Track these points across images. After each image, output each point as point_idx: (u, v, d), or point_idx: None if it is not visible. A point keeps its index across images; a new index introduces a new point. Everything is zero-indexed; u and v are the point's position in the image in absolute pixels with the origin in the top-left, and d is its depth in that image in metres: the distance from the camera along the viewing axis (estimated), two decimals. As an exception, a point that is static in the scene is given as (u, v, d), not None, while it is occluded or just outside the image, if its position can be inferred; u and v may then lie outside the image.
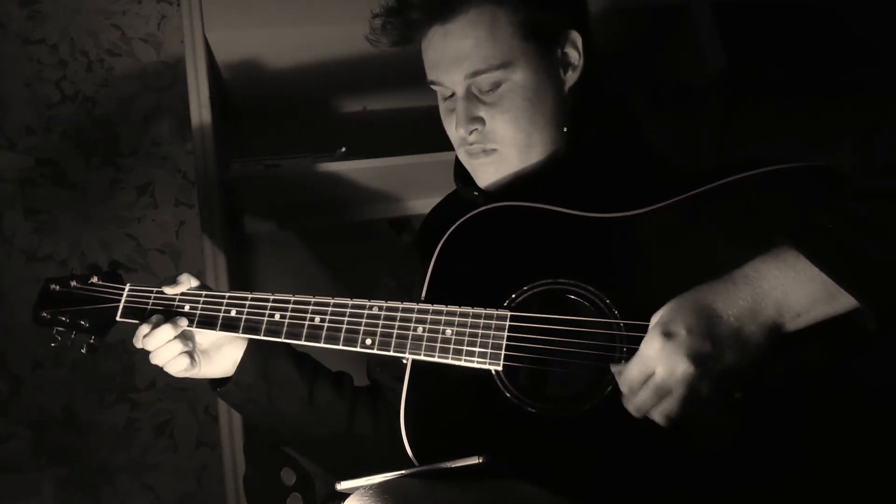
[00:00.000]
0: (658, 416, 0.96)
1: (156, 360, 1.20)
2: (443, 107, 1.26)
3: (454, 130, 1.22)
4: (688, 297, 0.96)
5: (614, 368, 0.99)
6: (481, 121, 1.19)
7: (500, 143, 1.20)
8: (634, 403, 0.97)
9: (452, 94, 1.22)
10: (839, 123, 1.06)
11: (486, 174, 1.22)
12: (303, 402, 1.28)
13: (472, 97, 1.19)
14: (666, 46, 2.20)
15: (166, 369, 1.21)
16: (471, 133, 1.19)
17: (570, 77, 1.23)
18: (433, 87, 1.24)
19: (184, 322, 1.20)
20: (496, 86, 1.18)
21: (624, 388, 0.98)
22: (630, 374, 0.97)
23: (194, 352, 1.22)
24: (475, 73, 1.17)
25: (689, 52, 2.12)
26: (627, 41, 2.19)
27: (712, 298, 0.96)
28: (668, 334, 0.94)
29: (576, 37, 1.22)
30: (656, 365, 0.94)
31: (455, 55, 1.17)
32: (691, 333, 0.94)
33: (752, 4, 2.20)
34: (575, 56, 1.22)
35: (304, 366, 1.30)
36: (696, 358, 0.93)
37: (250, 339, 1.25)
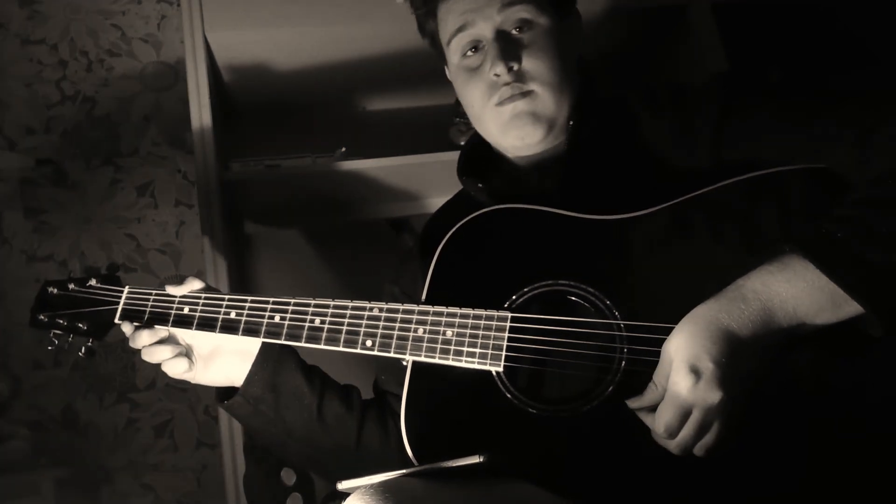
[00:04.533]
0: (702, 450, 0.95)
1: (147, 358, 1.20)
2: (463, 67, 1.25)
3: (482, 83, 1.22)
4: (703, 323, 0.95)
5: (632, 404, 0.99)
6: (518, 59, 1.20)
7: (536, 83, 1.20)
8: (678, 444, 0.95)
9: (476, 51, 1.22)
10: (838, 124, 1.06)
11: (520, 121, 1.21)
12: (311, 415, 1.25)
13: (505, 38, 1.20)
14: (666, 47, 2.20)
15: (164, 370, 1.21)
16: (509, 71, 1.19)
17: (576, 51, 1.28)
18: (457, 37, 1.23)
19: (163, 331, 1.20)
20: (527, 25, 1.20)
21: (660, 429, 0.95)
22: (667, 418, 0.94)
23: (192, 354, 1.22)
24: (510, 3, 1.19)
25: (689, 52, 2.12)
26: (627, 42, 2.19)
27: (727, 320, 0.94)
28: (696, 371, 0.93)
29: (579, 18, 1.30)
30: (692, 404, 0.93)
31: None
32: (719, 365, 0.93)
33: (751, 5, 2.20)
34: (578, 33, 1.29)
35: (313, 379, 1.28)
36: (727, 386, 0.93)
37: (258, 352, 1.24)
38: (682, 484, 0.99)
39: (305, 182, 1.99)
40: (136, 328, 1.19)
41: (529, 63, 1.20)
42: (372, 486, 0.97)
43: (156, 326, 1.20)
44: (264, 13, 1.90)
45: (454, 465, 1.00)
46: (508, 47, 1.19)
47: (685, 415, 0.94)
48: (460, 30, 1.22)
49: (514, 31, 1.21)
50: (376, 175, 1.98)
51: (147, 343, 1.19)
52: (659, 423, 0.95)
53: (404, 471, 1.03)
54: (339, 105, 2.30)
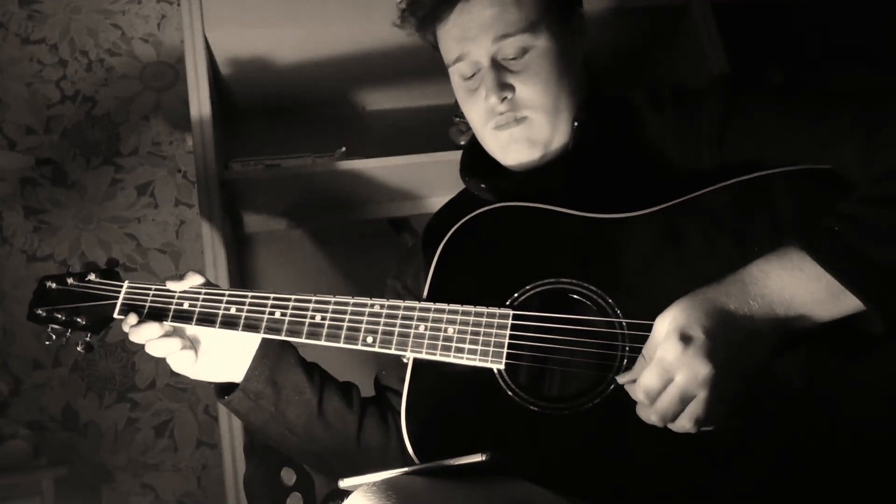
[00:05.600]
0: (685, 422, 0.94)
1: (153, 352, 1.19)
2: (463, 88, 1.25)
3: (480, 106, 1.22)
4: (698, 299, 0.95)
5: (621, 378, 0.98)
6: (511, 88, 1.19)
7: (530, 109, 1.20)
8: (657, 412, 0.94)
9: (474, 74, 1.22)
10: (840, 125, 1.06)
11: (517, 145, 1.22)
12: (311, 410, 1.25)
13: (499, 66, 1.20)
14: (666, 47, 2.20)
15: (170, 362, 1.20)
16: (503, 101, 1.19)
17: (582, 51, 1.27)
18: (455, 66, 1.23)
19: (166, 325, 1.19)
20: (523, 52, 1.19)
21: (640, 395, 0.95)
22: (649, 382, 0.94)
23: (198, 349, 1.22)
24: (504, 36, 1.18)
25: (690, 52, 2.12)
26: (628, 41, 2.19)
27: (724, 300, 0.95)
28: (685, 338, 0.92)
29: (581, 13, 1.28)
30: (676, 370, 0.92)
31: (482, 22, 1.18)
32: (710, 336, 0.92)
33: (751, 5, 2.20)
34: (582, 32, 1.27)
35: (313, 375, 1.28)
36: (716, 360, 0.92)
37: (258, 347, 1.23)
38: (682, 482, 0.98)
39: (305, 182, 1.99)
40: (142, 321, 1.18)
41: (524, 90, 1.20)
42: (374, 484, 0.97)
43: (163, 322, 1.19)
44: (264, 12, 1.90)
45: (456, 463, 1.00)
46: (502, 76, 1.19)
47: (668, 381, 0.93)
48: (458, 59, 1.23)
49: (510, 58, 1.20)
50: (376, 175, 1.98)
51: (155, 336, 1.18)
52: (639, 385, 0.95)
53: (406, 469, 1.03)
54: (339, 105, 2.30)
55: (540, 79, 1.19)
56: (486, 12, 1.18)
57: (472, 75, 1.22)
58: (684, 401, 0.93)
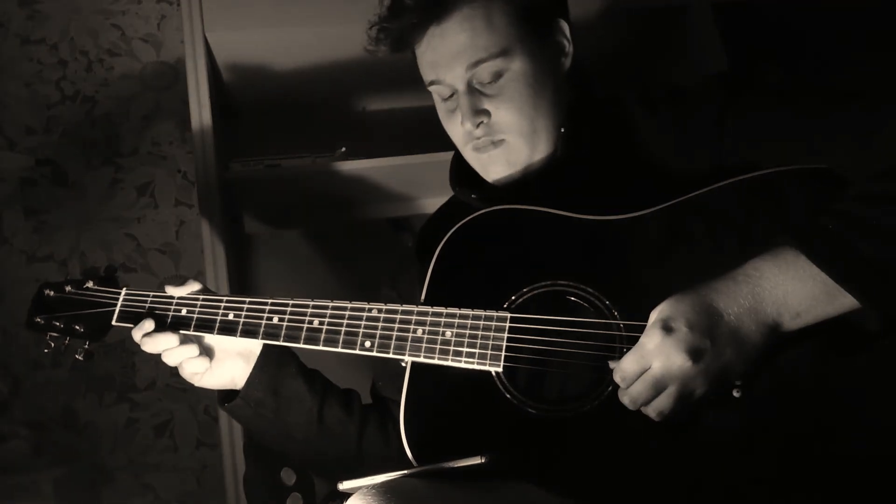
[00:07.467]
0: (653, 410, 0.97)
1: (169, 359, 1.19)
2: (442, 108, 1.25)
3: (459, 128, 1.21)
4: (689, 294, 0.96)
5: (613, 364, 1.00)
6: (486, 113, 1.19)
7: (507, 133, 1.20)
8: (630, 395, 0.97)
9: (452, 95, 1.21)
10: (837, 124, 1.06)
11: (497, 167, 1.22)
12: (311, 419, 1.25)
13: (474, 91, 1.19)
14: (666, 47, 2.20)
15: (182, 369, 1.20)
16: (478, 126, 1.19)
17: (565, 63, 1.25)
18: (432, 87, 1.23)
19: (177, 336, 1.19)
20: (497, 76, 1.18)
21: (618, 378, 0.98)
22: (625, 366, 0.97)
23: (212, 355, 1.22)
24: (476, 63, 1.17)
25: (690, 52, 2.12)
26: (627, 42, 2.19)
27: (714, 297, 0.96)
28: (668, 329, 0.94)
29: (563, 24, 1.25)
30: (654, 358, 0.95)
31: (455, 49, 1.17)
32: (692, 329, 0.94)
33: (751, 5, 2.20)
34: (565, 43, 1.25)
35: (314, 383, 1.28)
36: (694, 354, 0.93)
37: (259, 355, 1.23)
38: (681, 483, 0.99)
39: (305, 182, 1.99)
40: (157, 330, 1.17)
41: (499, 114, 1.19)
42: (373, 486, 0.97)
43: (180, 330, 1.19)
44: (264, 13, 1.90)
45: (456, 465, 1.00)
46: (477, 102, 1.18)
47: (645, 367, 0.96)
48: (432, 83, 1.22)
49: (485, 83, 1.19)
50: (376, 175, 1.98)
51: (173, 345, 1.17)
52: (618, 368, 0.98)
53: (406, 471, 1.03)
54: (339, 105, 2.30)
55: (515, 103, 1.18)
56: (459, 38, 1.16)
57: (450, 96, 1.22)
58: (657, 389, 0.95)
